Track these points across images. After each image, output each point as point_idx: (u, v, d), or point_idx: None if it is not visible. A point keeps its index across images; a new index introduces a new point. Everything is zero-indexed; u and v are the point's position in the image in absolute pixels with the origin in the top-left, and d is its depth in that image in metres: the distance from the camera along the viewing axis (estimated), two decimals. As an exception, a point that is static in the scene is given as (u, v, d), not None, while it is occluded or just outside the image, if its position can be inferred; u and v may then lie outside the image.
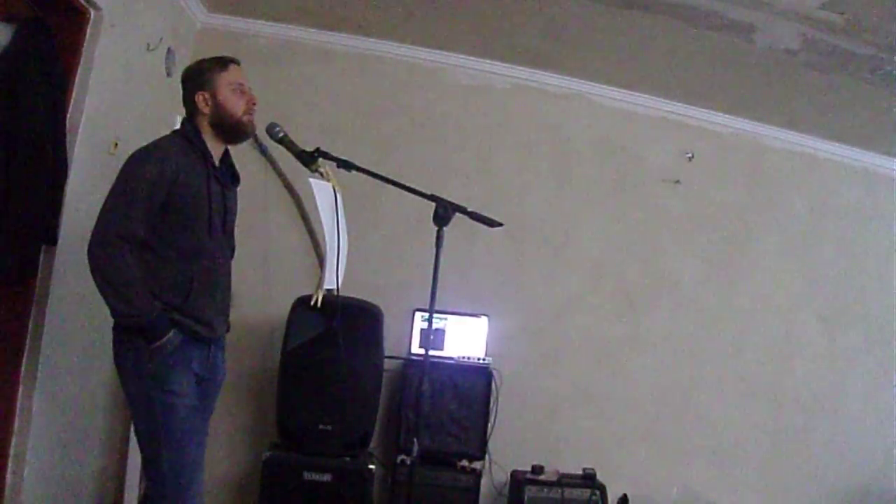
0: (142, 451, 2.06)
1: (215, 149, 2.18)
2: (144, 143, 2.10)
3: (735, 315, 4.14)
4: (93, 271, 1.96)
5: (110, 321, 2.04)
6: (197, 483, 2.04)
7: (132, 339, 1.99)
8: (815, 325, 4.24)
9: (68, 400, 2.74)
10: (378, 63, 3.86)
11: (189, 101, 2.17)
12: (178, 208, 2.03)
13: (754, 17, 3.05)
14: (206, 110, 2.14)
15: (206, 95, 2.13)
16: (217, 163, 2.19)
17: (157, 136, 2.16)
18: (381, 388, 3.20)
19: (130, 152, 2.07)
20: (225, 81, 2.15)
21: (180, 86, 2.21)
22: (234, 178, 2.28)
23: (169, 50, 3.28)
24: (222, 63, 2.17)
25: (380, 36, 3.79)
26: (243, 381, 3.49)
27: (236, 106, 2.15)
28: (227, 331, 2.31)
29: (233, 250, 2.33)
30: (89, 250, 1.96)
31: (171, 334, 1.98)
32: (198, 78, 2.16)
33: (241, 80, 2.18)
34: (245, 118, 2.16)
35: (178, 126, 2.26)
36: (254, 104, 2.19)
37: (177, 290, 2.03)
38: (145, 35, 3.05)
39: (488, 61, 3.92)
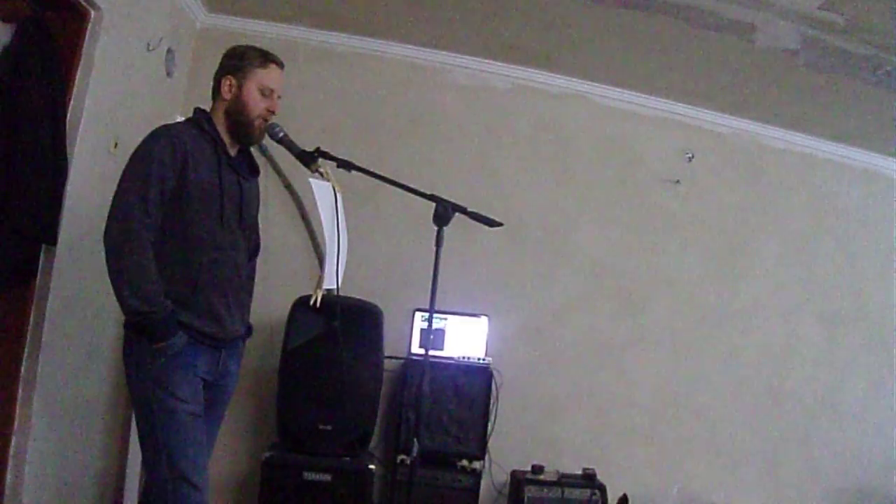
0: (143, 454, 1.99)
1: (229, 138, 2.11)
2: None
3: (735, 315, 4.14)
4: (110, 257, 1.85)
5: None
6: (198, 493, 1.92)
7: (137, 338, 1.91)
8: (815, 326, 4.23)
9: (68, 400, 2.73)
10: (378, 63, 3.86)
11: (215, 81, 2.11)
12: (186, 195, 1.95)
13: (754, 17, 3.05)
14: (228, 97, 2.08)
15: (233, 82, 2.07)
16: (233, 152, 2.12)
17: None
18: (381, 388, 3.21)
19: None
20: (257, 78, 2.08)
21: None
22: (253, 170, 2.21)
23: (169, 50, 3.28)
24: (265, 60, 2.11)
25: (380, 36, 3.79)
26: (243, 381, 3.42)
27: (256, 107, 2.08)
28: (249, 335, 2.24)
29: (257, 247, 2.27)
30: (110, 234, 1.85)
31: (176, 336, 1.90)
32: (234, 62, 2.09)
33: (274, 86, 2.11)
34: (257, 122, 2.09)
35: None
36: (272, 112, 2.12)
37: (185, 282, 1.95)
38: (145, 35, 3.05)
39: (488, 61, 3.92)
